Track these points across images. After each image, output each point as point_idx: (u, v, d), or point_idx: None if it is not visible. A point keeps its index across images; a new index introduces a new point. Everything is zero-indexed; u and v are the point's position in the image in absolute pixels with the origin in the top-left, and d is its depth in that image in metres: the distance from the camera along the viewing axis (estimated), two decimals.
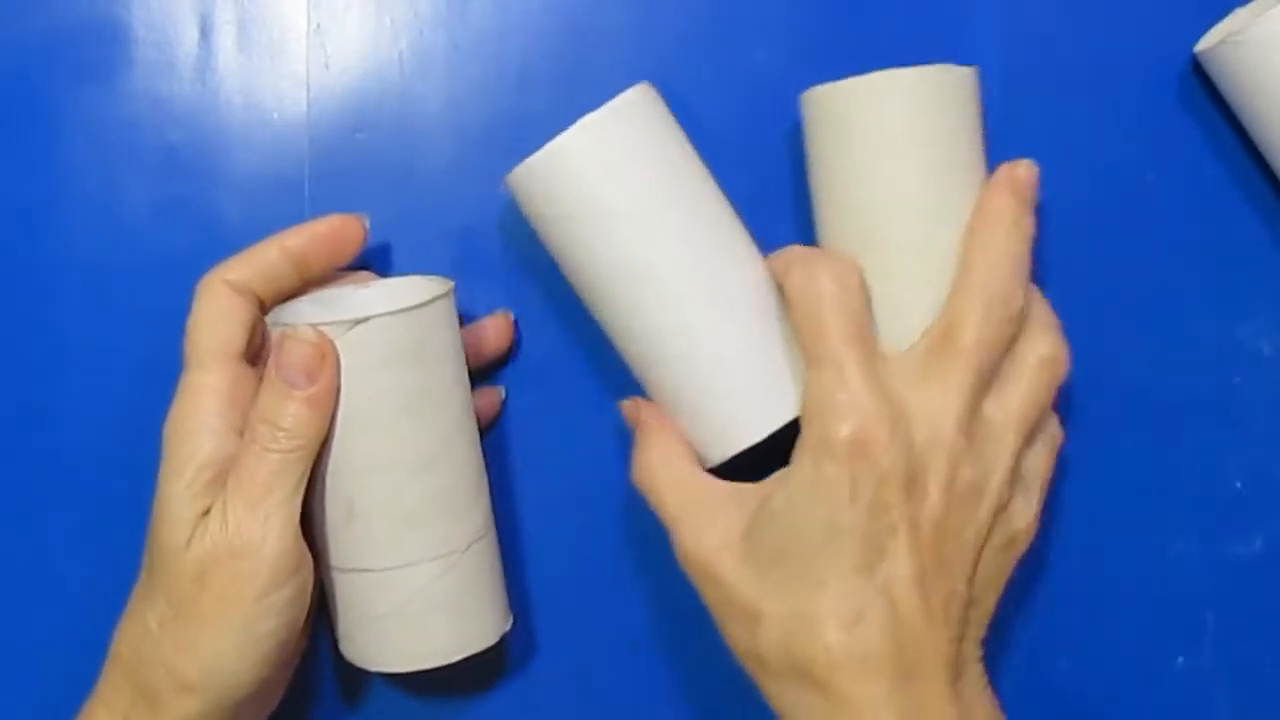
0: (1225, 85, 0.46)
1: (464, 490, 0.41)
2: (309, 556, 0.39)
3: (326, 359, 0.38)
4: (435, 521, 0.40)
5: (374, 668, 0.41)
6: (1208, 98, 0.48)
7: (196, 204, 0.46)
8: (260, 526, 0.38)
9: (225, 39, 0.46)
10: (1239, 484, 0.48)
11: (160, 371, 0.46)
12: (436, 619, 0.40)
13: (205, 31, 0.46)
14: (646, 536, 0.46)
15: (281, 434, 0.38)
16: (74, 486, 0.46)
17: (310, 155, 0.46)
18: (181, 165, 0.46)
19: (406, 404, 0.39)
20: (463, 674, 0.43)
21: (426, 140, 0.47)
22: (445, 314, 0.41)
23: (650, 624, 0.47)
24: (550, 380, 0.47)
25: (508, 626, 0.43)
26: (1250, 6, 0.47)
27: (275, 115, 0.46)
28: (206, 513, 0.38)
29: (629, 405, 0.43)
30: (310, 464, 0.39)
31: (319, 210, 0.46)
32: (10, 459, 0.46)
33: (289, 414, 0.38)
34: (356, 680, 0.47)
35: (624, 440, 0.44)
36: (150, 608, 0.39)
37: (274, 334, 0.40)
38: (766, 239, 0.47)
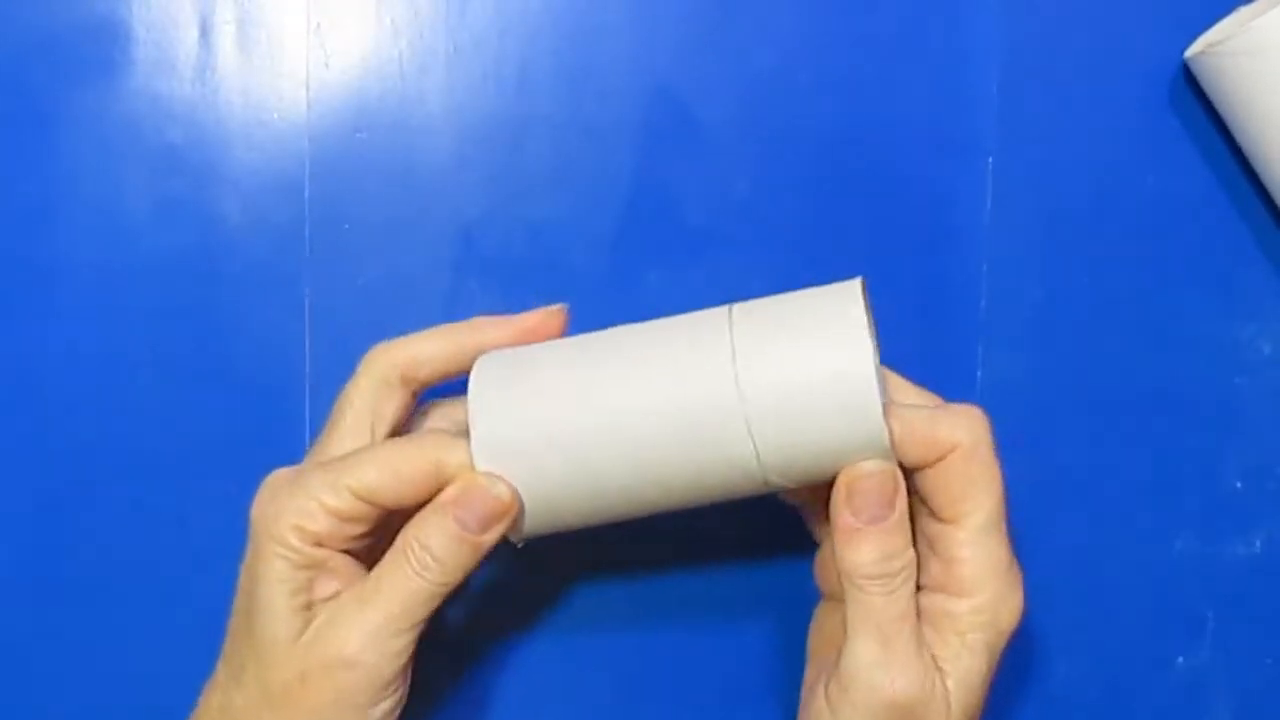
0: (1211, 92, 0.46)
1: None
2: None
3: (505, 517, 0.37)
4: None
5: None
6: (1205, 100, 0.48)
7: (196, 204, 0.46)
8: (382, 647, 0.36)
9: (225, 39, 0.46)
10: (1239, 484, 0.48)
11: (160, 372, 0.46)
12: None
13: (205, 31, 0.46)
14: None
15: (435, 566, 0.37)
16: (73, 486, 0.46)
17: (310, 155, 0.46)
18: (181, 165, 0.46)
19: None
20: None
21: (426, 140, 0.47)
22: None
23: None
24: None
25: None
26: (1252, 6, 0.47)
27: (275, 115, 0.46)
28: (310, 605, 0.37)
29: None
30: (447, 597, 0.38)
31: (319, 210, 0.46)
32: (9, 459, 0.46)
33: (449, 550, 0.37)
34: None
35: None
36: (237, 688, 0.38)
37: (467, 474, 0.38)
38: (765, 240, 0.47)
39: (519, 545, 0.39)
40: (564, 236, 0.47)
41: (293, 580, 0.37)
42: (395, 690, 0.37)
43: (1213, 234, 0.48)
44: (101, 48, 0.46)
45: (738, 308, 0.38)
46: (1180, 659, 0.48)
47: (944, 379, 0.47)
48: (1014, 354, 0.48)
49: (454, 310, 0.46)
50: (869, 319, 0.36)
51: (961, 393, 0.47)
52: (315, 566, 0.37)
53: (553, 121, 0.47)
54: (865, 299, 0.37)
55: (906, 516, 0.37)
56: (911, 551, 0.37)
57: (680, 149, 0.47)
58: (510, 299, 0.47)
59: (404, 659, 0.37)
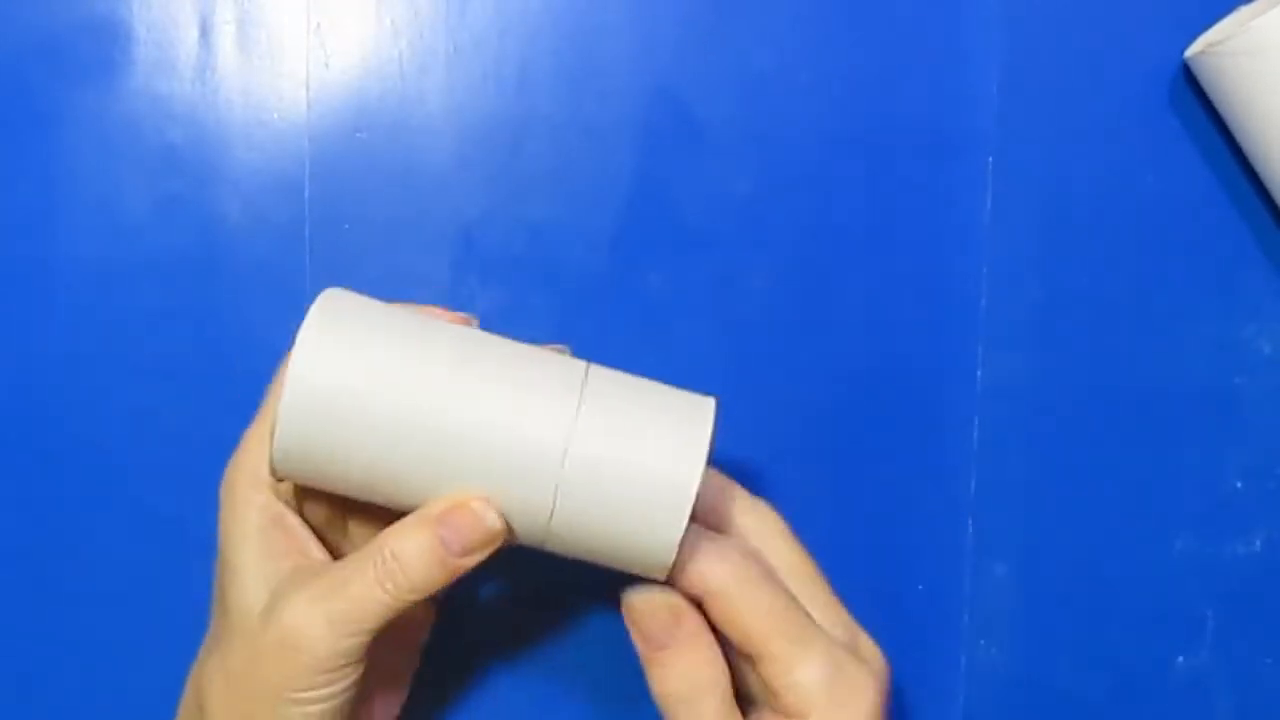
0: (1211, 92, 0.46)
1: None
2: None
3: (489, 545, 0.36)
4: None
5: None
6: (1205, 100, 0.48)
7: (196, 203, 0.46)
8: (335, 644, 0.36)
9: (225, 39, 0.46)
10: (1239, 484, 0.48)
11: (160, 372, 0.46)
12: None
13: (205, 31, 0.46)
14: None
15: (404, 581, 0.36)
16: (72, 486, 0.46)
17: (310, 155, 0.46)
18: (181, 165, 0.46)
19: None
20: None
21: (426, 140, 0.47)
22: None
23: None
24: None
25: None
26: (1252, 6, 0.47)
27: (275, 115, 0.46)
28: (273, 577, 0.37)
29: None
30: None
31: (319, 210, 0.46)
32: (10, 458, 0.46)
33: (422, 567, 0.36)
34: None
35: None
36: (219, 664, 0.38)
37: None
38: (765, 240, 0.47)
39: (278, 480, 0.38)
40: (564, 236, 0.47)
41: (260, 538, 0.37)
42: (343, 677, 0.37)
43: (1213, 234, 0.48)
44: (101, 48, 0.46)
45: (600, 372, 0.38)
46: (1180, 659, 0.48)
47: (944, 379, 0.48)
48: (1014, 354, 0.48)
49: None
50: (711, 442, 0.36)
51: (962, 393, 0.47)
52: (280, 524, 0.38)
53: (553, 121, 0.47)
54: (715, 422, 0.37)
55: (698, 634, 0.37)
56: (712, 667, 0.37)
57: (680, 149, 0.47)
58: (510, 299, 0.47)
59: (360, 652, 0.36)
